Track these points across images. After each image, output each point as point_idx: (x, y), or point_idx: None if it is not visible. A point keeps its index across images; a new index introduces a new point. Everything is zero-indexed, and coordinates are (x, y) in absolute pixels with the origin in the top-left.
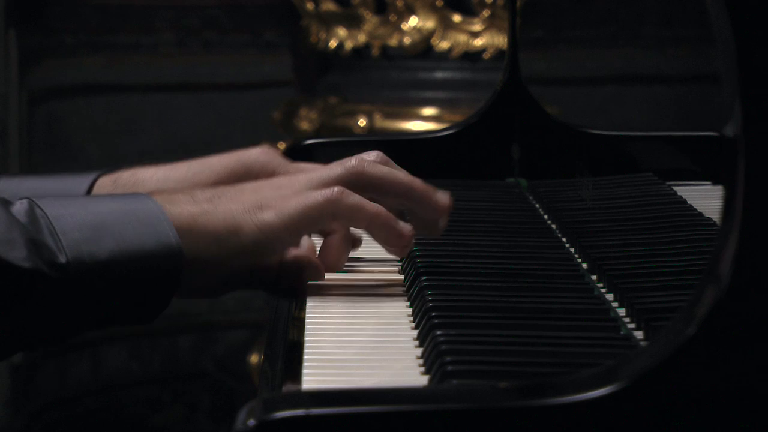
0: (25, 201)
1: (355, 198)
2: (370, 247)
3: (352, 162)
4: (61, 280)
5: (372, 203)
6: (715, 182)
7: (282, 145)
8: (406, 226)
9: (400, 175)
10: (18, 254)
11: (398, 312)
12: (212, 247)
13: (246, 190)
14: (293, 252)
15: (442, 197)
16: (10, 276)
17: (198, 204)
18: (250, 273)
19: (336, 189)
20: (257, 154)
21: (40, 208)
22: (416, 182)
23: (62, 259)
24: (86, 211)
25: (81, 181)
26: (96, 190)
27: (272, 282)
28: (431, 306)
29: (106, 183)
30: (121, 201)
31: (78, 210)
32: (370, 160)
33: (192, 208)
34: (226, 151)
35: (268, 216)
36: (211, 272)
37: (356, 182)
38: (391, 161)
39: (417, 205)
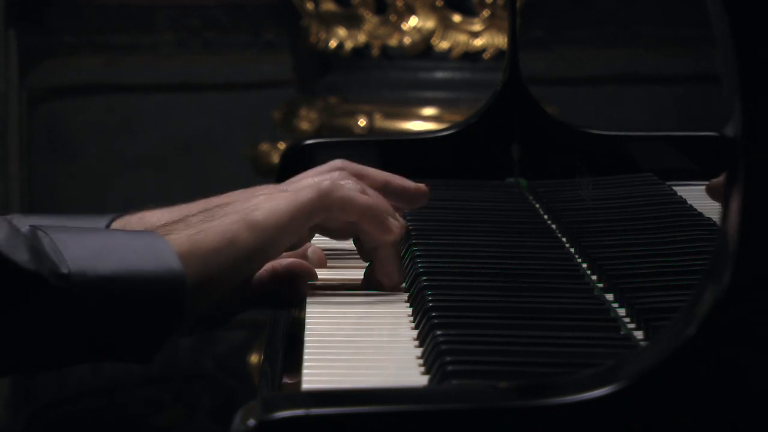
0: (26, 227)
1: (346, 190)
2: None
3: (324, 184)
4: (62, 289)
5: (364, 195)
6: None
7: (282, 145)
8: (396, 223)
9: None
10: (22, 257)
11: (398, 312)
12: (212, 261)
13: (236, 201)
14: (284, 261)
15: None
16: (14, 276)
17: (193, 226)
18: (247, 288)
19: (325, 182)
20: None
21: (42, 231)
22: (380, 200)
23: (64, 270)
24: (89, 236)
25: (96, 223)
26: None
27: (268, 295)
28: (431, 306)
29: (117, 226)
30: (124, 232)
31: (81, 235)
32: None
33: (188, 231)
34: (223, 152)
35: (259, 217)
36: (214, 292)
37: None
38: (360, 169)
39: (398, 201)
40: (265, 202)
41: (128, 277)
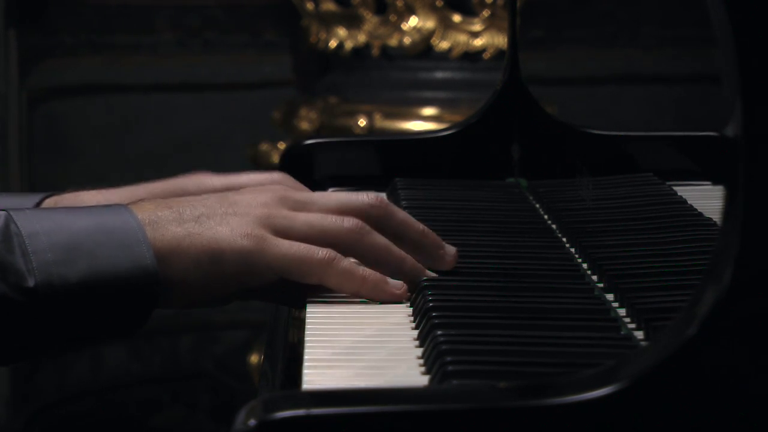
0: (2, 215)
1: (346, 264)
2: None
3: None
4: (28, 303)
5: (362, 271)
6: (715, 182)
7: (282, 145)
8: (396, 287)
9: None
10: None
11: (398, 312)
12: (192, 271)
13: (239, 206)
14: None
15: (449, 251)
16: None
17: (184, 225)
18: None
19: (344, 262)
20: (191, 180)
21: (16, 224)
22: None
23: (30, 283)
24: (62, 229)
25: (27, 202)
26: None
27: (263, 292)
28: (431, 306)
29: (49, 204)
30: (101, 216)
31: (54, 227)
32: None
33: (177, 230)
34: (223, 152)
35: (255, 249)
36: (191, 294)
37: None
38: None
39: (425, 255)
40: (270, 238)
41: (98, 280)
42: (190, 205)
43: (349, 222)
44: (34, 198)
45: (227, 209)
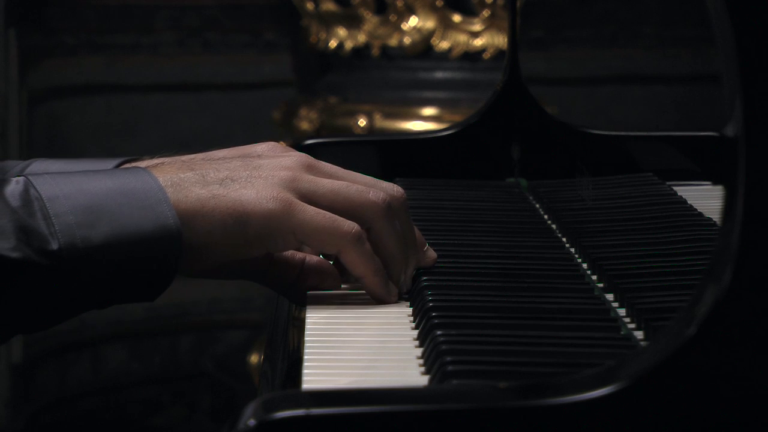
0: (21, 180)
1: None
2: None
3: (390, 190)
4: (52, 266)
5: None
6: (715, 182)
7: (282, 145)
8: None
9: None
10: (5, 244)
11: (398, 312)
12: (216, 234)
13: (264, 170)
14: (315, 257)
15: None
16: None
17: (208, 186)
18: (244, 264)
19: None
20: (262, 150)
21: (35, 189)
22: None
23: (54, 246)
24: (82, 192)
25: (103, 167)
26: None
27: (264, 274)
28: (431, 306)
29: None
30: (120, 178)
31: (74, 190)
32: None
33: (201, 191)
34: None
35: (281, 212)
36: (214, 257)
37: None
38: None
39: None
40: (297, 203)
41: (121, 242)
42: (213, 168)
43: (375, 195)
44: (113, 162)
45: (252, 172)
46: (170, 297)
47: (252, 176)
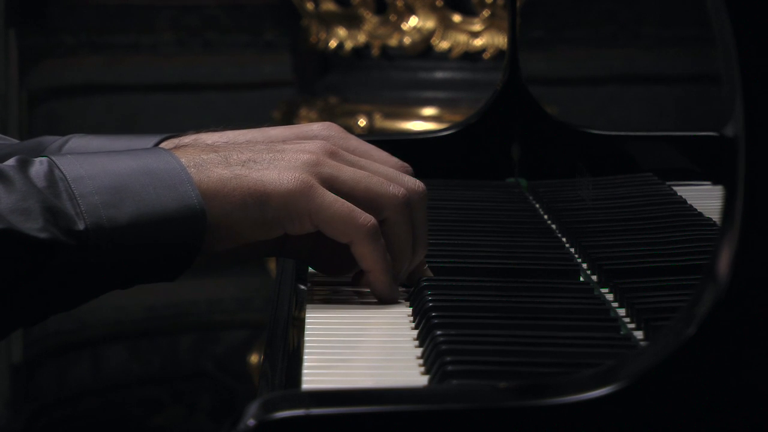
0: (45, 161)
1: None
2: None
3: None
4: (79, 247)
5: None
6: (715, 182)
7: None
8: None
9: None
10: (33, 225)
11: (398, 312)
12: (236, 214)
13: (287, 153)
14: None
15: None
16: (27, 247)
17: (230, 167)
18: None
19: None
20: (318, 130)
21: (60, 170)
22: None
23: (81, 226)
24: (106, 172)
25: (144, 143)
26: None
27: (278, 250)
28: (431, 306)
29: (168, 146)
30: (143, 159)
31: (98, 171)
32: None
33: (223, 172)
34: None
35: (300, 194)
36: (234, 238)
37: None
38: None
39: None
40: (319, 189)
41: (147, 221)
42: (236, 150)
43: (395, 188)
44: (153, 138)
45: (275, 155)
46: (170, 297)
47: (275, 159)
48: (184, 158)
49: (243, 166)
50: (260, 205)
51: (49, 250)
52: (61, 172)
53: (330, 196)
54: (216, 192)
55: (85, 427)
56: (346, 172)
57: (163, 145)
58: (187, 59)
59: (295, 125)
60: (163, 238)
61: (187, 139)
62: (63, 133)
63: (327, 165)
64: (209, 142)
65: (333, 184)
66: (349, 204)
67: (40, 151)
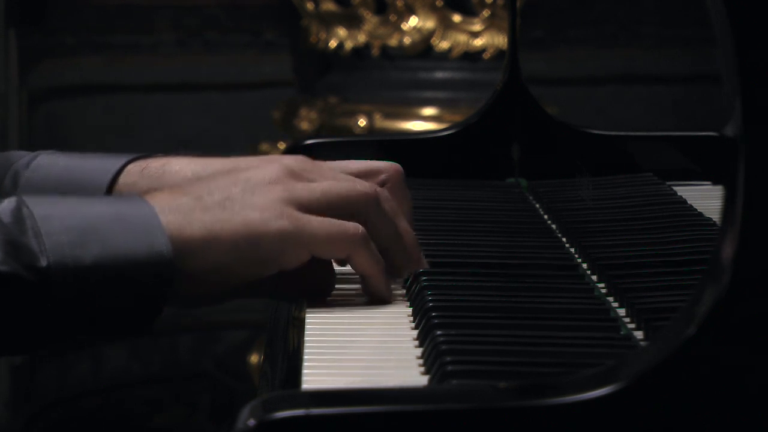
0: (13, 200)
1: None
2: None
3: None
4: (41, 283)
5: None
6: (715, 182)
7: (282, 145)
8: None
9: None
10: None
11: (398, 312)
12: (228, 257)
13: (252, 183)
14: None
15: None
16: None
17: (210, 211)
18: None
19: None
20: (293, 162)
21: (28, 208)
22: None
23: (43, 263)
24: (75, 214)
25: (111, 163)
26: (124, 176)
27: (274, 290)
28: (431, 306)
29: (134, 170)
30: (115, 204)
31: (68, 212)
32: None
33: (204, 217)
34: (223, 152)
35: (292, 229)
36: (222, 282)
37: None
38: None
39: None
40: (299, 215)
41: (112, 263)
42: (206, 191)
43: (362, 186)
44: (122, 159)
45: (243, 187)
46: None
47: (245, 191)
48: (158, 206)
49: (221, 207)
50: (252, 246)
51: (8, 283)
52: (30, 210)
53: (315, 221)
54: (202, 239)
55: (85, 427)
56: (315, 189)
57: (131, 166)
58: (187, 59)
59: (269, 156)
60: (129, 283)
61: (155, 163)
62: (63, 133)
63: (297, 189)
64: (176, 168)
65: (309, 206)
66: (334, 220)
67: (7, 167)
